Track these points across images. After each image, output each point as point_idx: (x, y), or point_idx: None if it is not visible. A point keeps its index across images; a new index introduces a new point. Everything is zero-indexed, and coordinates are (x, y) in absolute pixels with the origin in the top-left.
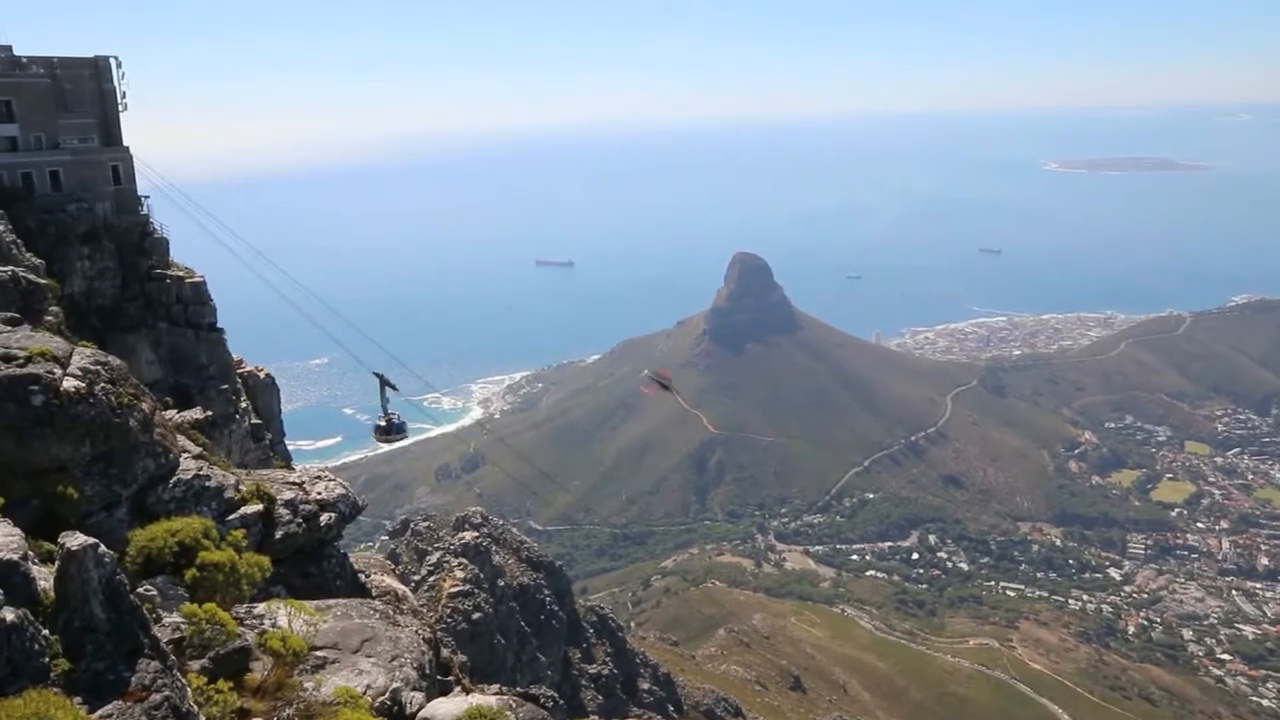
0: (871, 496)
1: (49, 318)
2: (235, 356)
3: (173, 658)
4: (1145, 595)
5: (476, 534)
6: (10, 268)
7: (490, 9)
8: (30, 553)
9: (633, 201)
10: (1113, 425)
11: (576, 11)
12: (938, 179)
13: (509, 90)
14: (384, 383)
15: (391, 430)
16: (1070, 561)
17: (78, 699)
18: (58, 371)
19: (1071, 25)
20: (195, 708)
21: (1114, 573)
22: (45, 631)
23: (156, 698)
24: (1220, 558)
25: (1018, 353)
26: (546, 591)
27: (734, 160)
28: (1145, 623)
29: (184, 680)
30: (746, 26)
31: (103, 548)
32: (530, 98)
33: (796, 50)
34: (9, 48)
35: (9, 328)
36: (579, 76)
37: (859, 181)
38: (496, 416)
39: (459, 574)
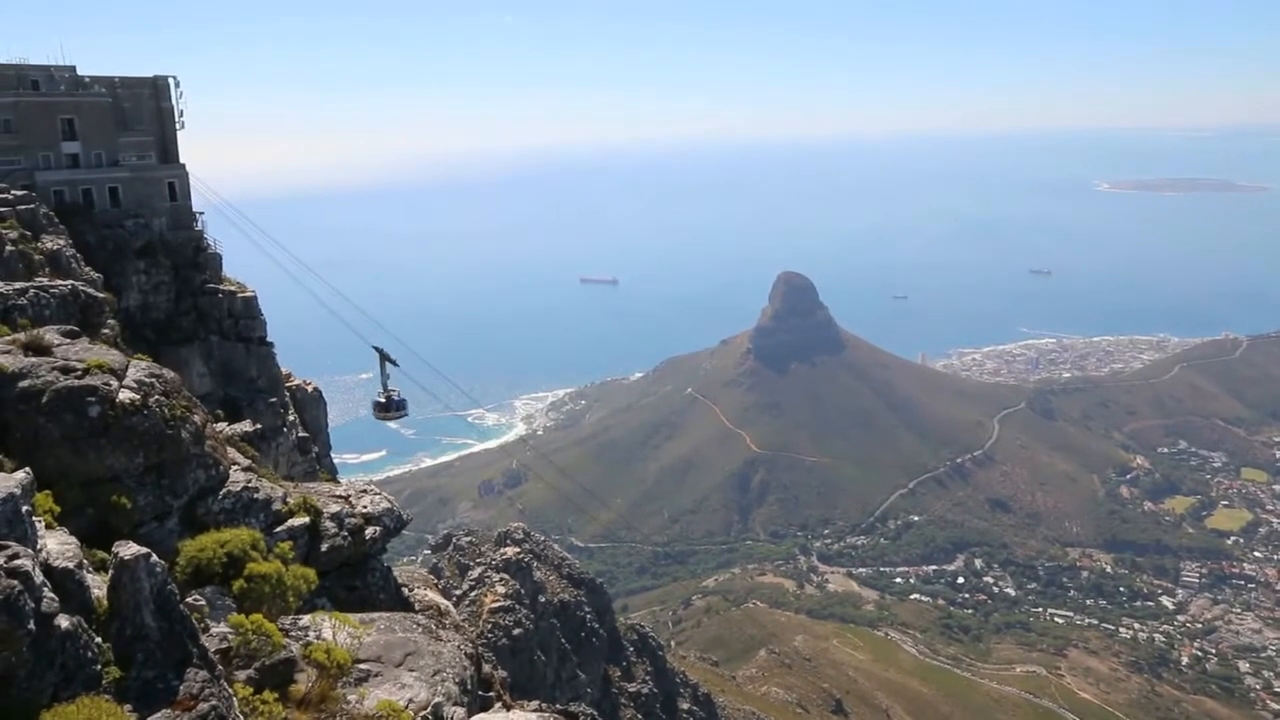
0: (916, 519)
1: (106, 330)
2: (284, 370)
3: (220, 667)
4: (1199, 625)
5: (518, 550)
6: (70, 282)
7: (537, 29)
8: (85, 561)
9: (676, 220)
10: (1166, 450)
11: (623, 31)
12: (986, 199)
13: (555, 109)
14: (384, 358)
15: (391, 407)
16: (1121, 589)
17: (128, 706)
18: (114, 383)
19: (1125, 45)
20: (241, 717)
21: (1167, 601)
22: (98, 639)
23: (204, 707)
24: (1279, 588)
25: (1067, 375)
26: (587, 609)
27: (778, 179)
28: (1200, 654)
29: (231, 690)
30: (791, 47)
31: (154, 557)
32: (576, 116)
33: (841, 70)
34: (72, 68)
35: (68, 340)
36: (623, 95)
37: (905, 201)
38: (539, 433)
39: (500, 589)
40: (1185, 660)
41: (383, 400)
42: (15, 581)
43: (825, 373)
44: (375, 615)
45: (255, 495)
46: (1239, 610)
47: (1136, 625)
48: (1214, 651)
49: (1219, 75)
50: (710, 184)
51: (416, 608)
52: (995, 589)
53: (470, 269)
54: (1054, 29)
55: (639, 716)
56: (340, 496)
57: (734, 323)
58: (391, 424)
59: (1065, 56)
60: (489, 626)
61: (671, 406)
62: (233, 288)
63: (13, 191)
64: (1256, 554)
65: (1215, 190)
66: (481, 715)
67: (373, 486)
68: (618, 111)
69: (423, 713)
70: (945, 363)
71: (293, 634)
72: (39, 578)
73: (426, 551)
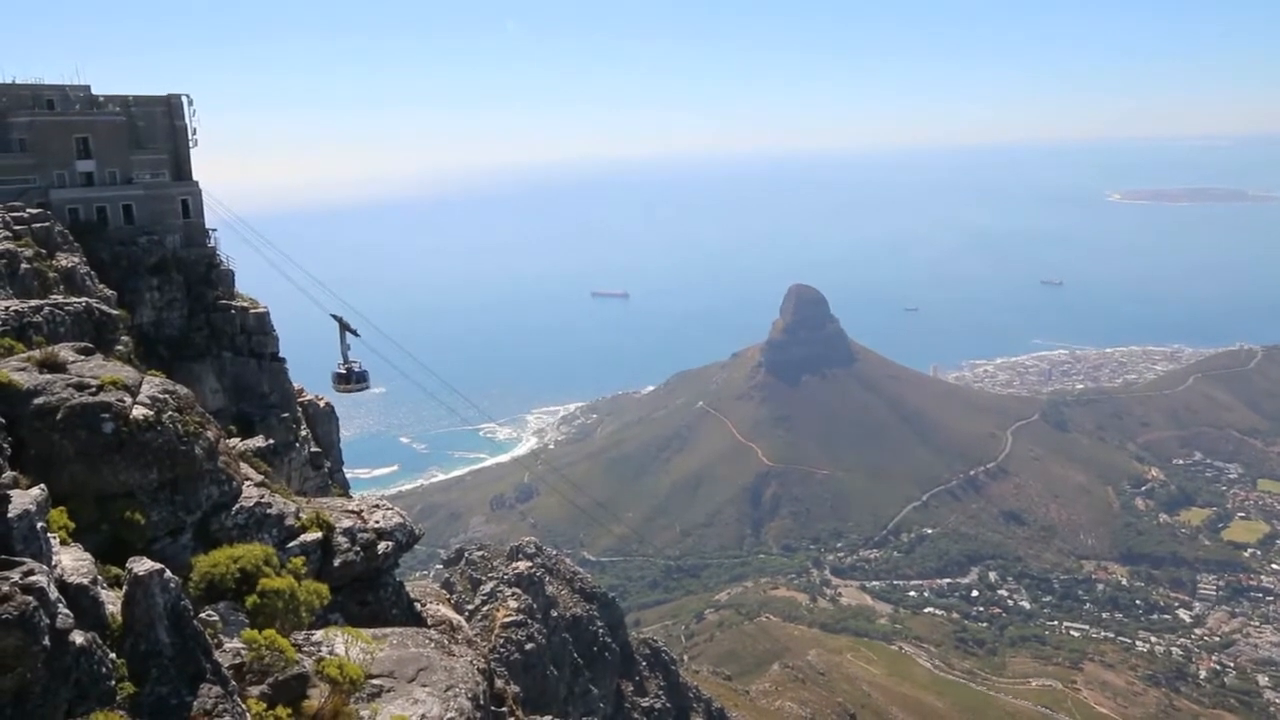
0: (930, 532)
1: (119, 347)
2: (296, 385)
3: (233, 683)
4: (1217, 638)
5: (530, 564)
6: (84, 299)
7: (545, 46)
8: (99, 577)
9: (688, 234)
10: (1181, 462)
11: (632, 48)
12: (996, 210)
13: (564, 125)
14: (344, 327)
15: (351, 379)
16: (1137, 602)
17: None
18: (128, 400)
19: (1135, 56)
20: None
21: (1184, 614)
22: (112, 655)
23: None
24: None
25: (1080, 386)
26: (599, 623)
27: (789, 192)
28: (1218, 667)
29: (244, 706)
30: (802, 62)
31: (168, 573)
32: (585, 131)
33: (851, 82)
34: (87, 87)
35: (82, 357)
36: (633, 111)
37: (915, 213)
38: (551, 447)
39: (512, 604)
40: (1203, 674)
41: (342, 371)
42: (30, 598)
43: (837, 385)
44: (388, 630)
45: (268, 511)
46: (1257, 623)
47: (1153, 638)
48: (1232, 665)
49: (1229, 84)
50: (721, 198)
51: (429, 623)
52: (1010, 602)
53: (481, 284)
54: (1064, 40)
55: None
56: (353, 511)
57: (745, 336)
58: (354, 394)
59: (1076, 67)
60: (501, 641)
61: (683, 420)
62: (245, 304)
63: (28, 210)
64: (1274, 566)
65: (1227, 200)
66: None
67: (385, 501)
68: (628, 126)
69: None
70: (957, 374)
71: (305, 649)
72: (54, 594)
73: (438, 566)
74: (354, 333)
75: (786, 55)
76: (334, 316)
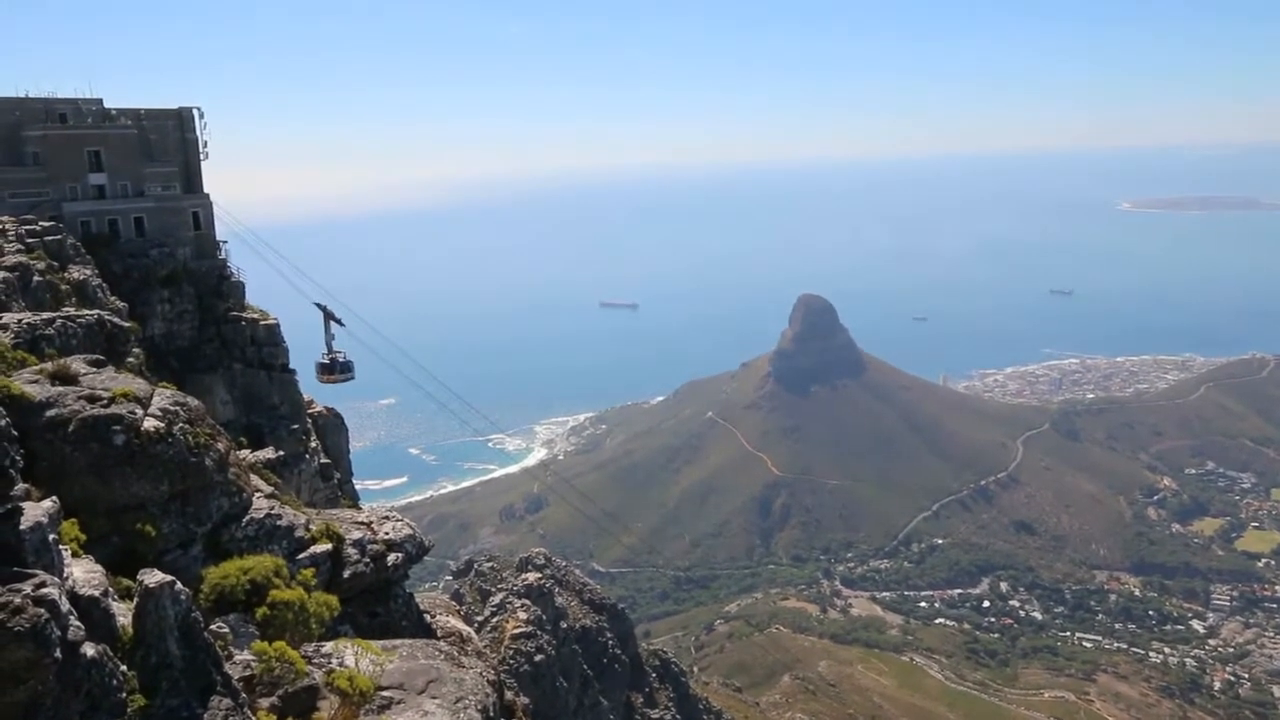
0: (940, 542)
1: (131, 359)
2: (306, 396)
3: (243, 695)
4: (1231, 649)
5: (539, 575)
6: (96, 311)
7: (555, 56)
8: (110, 589)
9: (697, 244)
10: (1193, 471)
11: (641, 58)
12: (1006, 220)
13: (574, 135)
14: (328, 316)
15: (335, 369)
16: (1150, 612)
17: None
18: (139, 412)
19: (1146, 64)
20: None
21: (1197, 625)
22: (123, 667)
23: None
24: None
25: (1091, 396)
26: (609, 634)
27: (798, 201)
28: (1232, 678)
29: (254, 718)
30: (812, 70)
31: (179, 585)
32: (594, 142)
33: (860, 93)
34: (99, 101)
35: (94, 369)
36: (643, 121)
37: (925, 222)
38: (560, 458)
39: (522, 615)
40: (1217, 685)
41: (326, 361)
42: (42, 610)
43: (846, 395)
44: (397, 642)
45: (278, 522)
46: (1272, 634)
47: (1167, 649)
48: (1247, 676)
49: (1241, 92)
50: (730, 208)
51: (439, 634)
52: (1021, 613)
53: (490, 294)
54: (1073, 48)
55: None
56: (362, 523)
57: (754, 346)
58: (338, 385)
59: (1087, 76)
60: (511, 653)
61: (692, 430)
62: (255, 315)
63: (41, 222)
64: None
65: (1239, 208)
66: None
67: (394, 513)
68: (637, 136)
69: None
70: (967, 384)
71: (315, 661)
72: (65, 606)
73: (448, 578)
74: (339, 322)
75: (795, 64)
76: (318, 305)
